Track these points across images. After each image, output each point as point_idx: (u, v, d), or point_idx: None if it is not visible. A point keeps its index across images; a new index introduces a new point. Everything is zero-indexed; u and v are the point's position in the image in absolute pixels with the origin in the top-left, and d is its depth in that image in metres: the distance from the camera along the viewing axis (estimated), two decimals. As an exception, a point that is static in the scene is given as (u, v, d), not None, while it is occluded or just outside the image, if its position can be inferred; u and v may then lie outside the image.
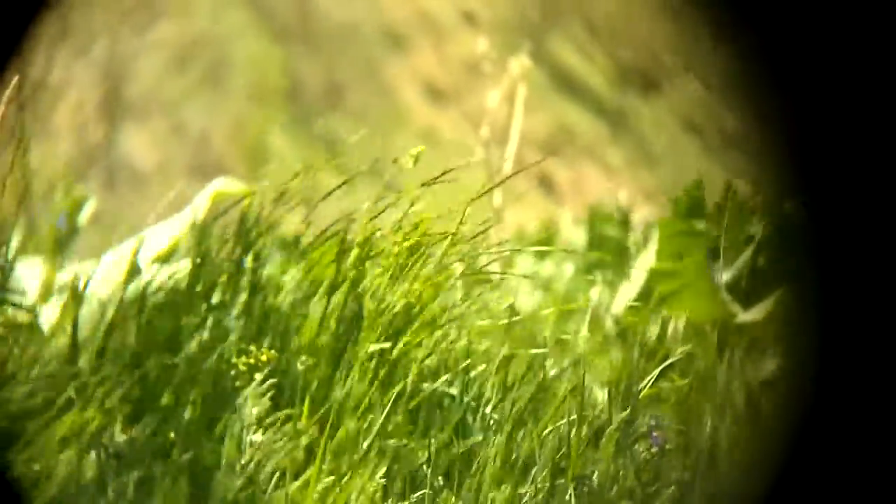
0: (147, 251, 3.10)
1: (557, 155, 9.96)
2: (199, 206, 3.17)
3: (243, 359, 2.72)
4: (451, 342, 3.01)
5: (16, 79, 2.92)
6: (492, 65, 7.26)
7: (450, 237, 3.01)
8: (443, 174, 3.05)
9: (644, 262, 4.61)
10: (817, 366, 2.63)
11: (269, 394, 2.67)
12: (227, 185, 3.20)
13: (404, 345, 2.92)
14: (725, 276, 3.94)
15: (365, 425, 2.73)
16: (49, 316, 2.93)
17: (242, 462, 2.53)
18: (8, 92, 2.93)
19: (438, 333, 2.98)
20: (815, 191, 2.79)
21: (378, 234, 3.01)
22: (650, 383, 2.91)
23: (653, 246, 4.49)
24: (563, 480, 2.69)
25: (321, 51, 10.75)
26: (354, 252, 3.01)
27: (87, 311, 2.88)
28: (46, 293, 3.05)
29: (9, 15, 2.71)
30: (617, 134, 10.48)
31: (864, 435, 2.55)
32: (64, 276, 3.02)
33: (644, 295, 4.49)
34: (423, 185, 3.04)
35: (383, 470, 2.63)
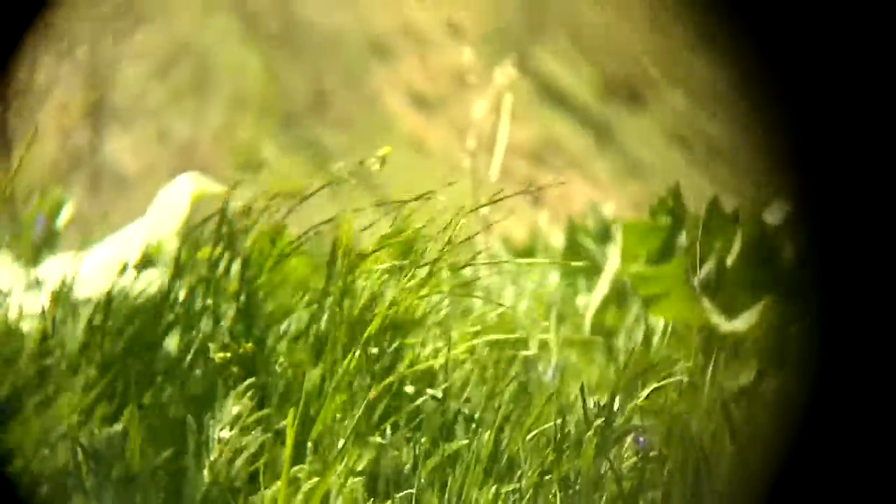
0: (127, 252, 3.07)
1: (544, 166, 9.96)
2: (179, 207, 3.13)
3: (220, 353, 2.70)
4: (436, 345, 2.99)
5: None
6: (477, 75, 7.25)
7: (439, 246, 3.00)
8: (424, 195, 3.03)
9: (611, 265, 4.63)
10: (809, 376, 2.62)
11: (250, 393, 2.64)
12: (197, 181, 3.17)
13: (389, 348, 2.90)
14: (706, 285, 3.94)
15: (344, 426, 2.70)
16: (27, 315, 2.90)
17: (211, 458, 2.50)
18: None
19: (423, 337, 2.96)
20: (803, 200, 2.78)
21: (360, 235, 2.99)
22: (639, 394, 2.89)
23: (618, 249, 4.51)
24: (549, 478, 2.67)
25: (306, 59, 10.73)
26: (339, 257, 2.99)
27: (66, 312, 2.86)
28: (24, 293, 3.03)
29: (6, 19, 2.69)
30: (603, 145, 10.49)
31: (859, 443, 2.54)
32: (43, 276, 2.99)
33: (620, 299, 4.50)
34: (410, 200, 3.02)
35: (362, 469, 2.61)
